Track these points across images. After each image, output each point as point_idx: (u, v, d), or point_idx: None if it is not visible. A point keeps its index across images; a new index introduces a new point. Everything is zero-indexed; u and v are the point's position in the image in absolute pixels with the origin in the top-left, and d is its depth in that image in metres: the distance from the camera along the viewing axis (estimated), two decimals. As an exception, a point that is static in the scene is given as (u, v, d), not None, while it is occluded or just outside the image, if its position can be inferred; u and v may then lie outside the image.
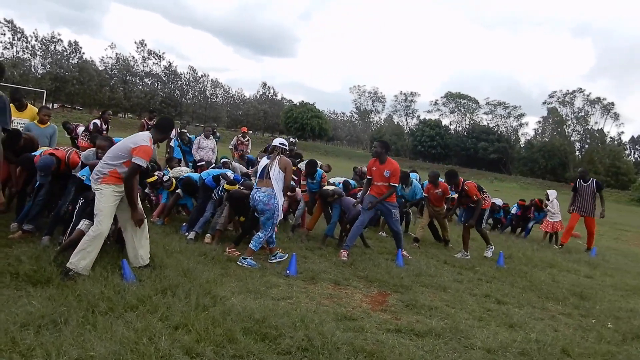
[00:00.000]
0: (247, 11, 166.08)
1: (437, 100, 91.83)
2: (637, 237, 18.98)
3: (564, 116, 79.68)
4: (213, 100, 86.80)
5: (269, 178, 6.34)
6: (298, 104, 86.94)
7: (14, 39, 64.13)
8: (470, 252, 8.76)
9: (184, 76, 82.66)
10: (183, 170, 8.61)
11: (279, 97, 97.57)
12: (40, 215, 6.15)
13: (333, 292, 5.54)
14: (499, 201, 13.90)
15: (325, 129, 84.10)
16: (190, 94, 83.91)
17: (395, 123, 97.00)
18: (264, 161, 6.56)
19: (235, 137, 14.37)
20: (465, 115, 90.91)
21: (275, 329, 3.95)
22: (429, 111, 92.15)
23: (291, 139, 12.84)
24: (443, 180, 9.53)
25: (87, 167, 5.75)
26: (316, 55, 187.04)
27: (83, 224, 5.33)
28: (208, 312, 4.12)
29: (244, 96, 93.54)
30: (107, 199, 4.82)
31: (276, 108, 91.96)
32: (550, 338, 4.72)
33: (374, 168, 7.62)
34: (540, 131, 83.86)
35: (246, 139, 14.11)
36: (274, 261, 6.51)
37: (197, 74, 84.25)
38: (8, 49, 63.90)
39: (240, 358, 3.45)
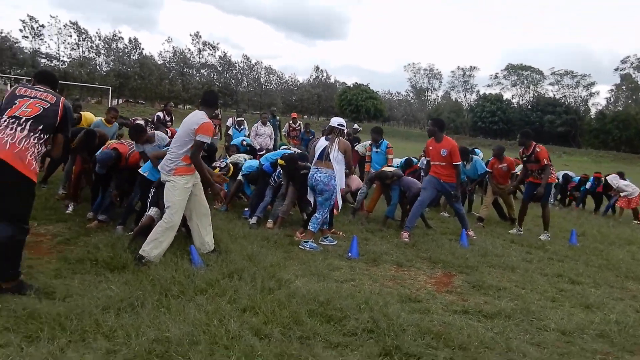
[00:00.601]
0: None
1: (497, 73, 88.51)
2: None
3: (639, 82, 74.77)
4: (267, 87, 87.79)
5: (329, 160, 6.36)
6: (352, 85, 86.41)
7: (79, 40, 67.21)
8: (540, 230, 8.45)
9: (238, 65, 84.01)
10: (241, 157, 8.77)
11: (332, 80, 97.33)
12: (112, 206, 6.46)
13: (396, 274, 5.50)
14: (571, 173, 13.29)
15: (380, 109, 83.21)
16: (245, 82, 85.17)
17: (453, 100, 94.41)
18: (322, 142, 6.57)
19: (287, 123, 14.48)
20: (529, 88, 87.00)
21: (340, 311, 3.96)
22: (488, 85, 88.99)
23: (355, 126, 12.81)
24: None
25: (148, 162, 5.95)
26: (368, 36, 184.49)
27: (152, 210, 5.56)
28: (274, 294, 4.19)
29: (298, 81, 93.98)
30: (180, 192, 4.96)
31: (330, 91, 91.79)
32: (632, 319, 4.48)
33: (431, 148, 7.47)
34: (612, 100, 79.12)
35: (297, 124, 14.18)
36: (324, 243, 6.52)
37: (250, 62, 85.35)
38: (75, 49, 67.16)
39: (307, 339, 3.48)
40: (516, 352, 3.61)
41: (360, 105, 79.89)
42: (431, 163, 7.50)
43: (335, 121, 6.61)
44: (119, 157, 6.23)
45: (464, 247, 6.97)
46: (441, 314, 4.29)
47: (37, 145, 3.86)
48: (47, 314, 3.39)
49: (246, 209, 7.84)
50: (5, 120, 3.79)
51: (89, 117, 8.35)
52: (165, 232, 4.92)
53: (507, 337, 3.87)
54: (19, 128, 3.77)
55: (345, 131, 6.68)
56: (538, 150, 8.08)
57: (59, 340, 3.12)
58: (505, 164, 9.06)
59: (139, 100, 71.60)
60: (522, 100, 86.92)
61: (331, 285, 4.73)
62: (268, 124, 12.10)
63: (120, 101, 67.24)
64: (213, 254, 5.23)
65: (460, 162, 7.38)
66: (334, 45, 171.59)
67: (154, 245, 4.85)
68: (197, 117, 5.04)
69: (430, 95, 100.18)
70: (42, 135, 3.90)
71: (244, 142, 10.57)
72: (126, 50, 71.11)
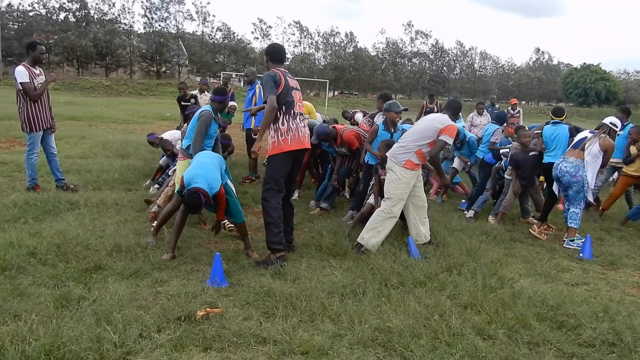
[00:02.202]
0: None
1: None
2: None
3: None
4: (482, 73, 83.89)
5: (583, 150, 5.88)
6: (579, 67, 77.50)
7: (301, 37, 73.33)
8: None
9: (451, 51, 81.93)
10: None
11: (554, 62, 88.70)
12: (334, 194, 6.88)
13: (641, 281, 4.79)
14: None
15: (614, 92, 72.92)
16: (457, 69, 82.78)
17: None
18: (584, 133, 6.16)
19: (505, 110, 13.62)
20: None
21: (574, 318, 3.62)
22: None
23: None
24: None
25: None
26: (594, 8, 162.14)
27: (371, 197, 5.79)
28: (496, 293, 4.00)
29: (515, 65, 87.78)
30: (404, 185, 5.12)
31: (552, 74, 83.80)
32: None
33: None
34: None
35: (516, 110, 13.21)
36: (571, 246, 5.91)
37: (464, 47, 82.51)
38: (297, 46, 73.49)
39: (536, 345, 3.25)
40: None
41: (588, 88, 71.29)
42: None
43: (608, 120, 6.14)
44: (335, 136, 6.62)
45: None
46: None
47: None
48: (280, 293, 3.77)
49: (463, 201, 7.64)
50: (297, 118, 4.66)
51: (310, 106, 9.05)
52: (384, 222, 5.08)
53: None
54: (302, 124, 4.73)
55: (615, 130, 6.08)
56: None
57: (291, 319, 3.43)
58: None
59: (353, 92, 75.11)
60: None
61: (561, 288, 4.35)
62: (485, 113, 11.51)
63: (336, 93, 71.34)
64: (430, 246, 5.23)
65: None
66: (555, 23, 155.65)
67: (373, 234, 5.05)
68: (443, 118, 5.24)
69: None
70: None
71: None
72: (342, 44, 75.07)
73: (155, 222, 5.17)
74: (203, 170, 4.49)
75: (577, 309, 3.75)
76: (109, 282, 3.86)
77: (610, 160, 7.58)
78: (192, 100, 10.14)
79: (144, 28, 60.64)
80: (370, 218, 5.21)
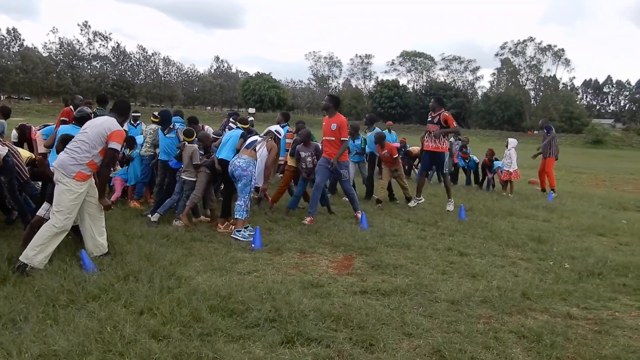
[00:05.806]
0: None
1: (393, 60, 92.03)
2: (591, 179, 19.74)
3: (517, 66, 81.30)
4: (166, 79, 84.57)
5: (255, 150, 6.65)
6: (254, 75, 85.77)
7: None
8: (432, 208, 8.94)
9: (134, 56, 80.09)
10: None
11: (233, 70, 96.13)
12: None
13: (299, 261, 5.59)
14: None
15: (283, 98, 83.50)
16: (142, 74, 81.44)
17: (354, 87, 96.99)
18: (255, 137, 6.91)
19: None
20: (422, 73, 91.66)
21: (242, 304, 3.97)
22: (386, 72, 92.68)
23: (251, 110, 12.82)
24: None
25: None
26: (267, 25, 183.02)
27: (43, 209, 5.12)
28: (173, 294, 4.10)
29: (198, 72, 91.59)
30: (76, 197, 4.72)
31: (232, 81, 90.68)
32: (511, 284, 4.92)
33: (324, 123, 7.74)
34: (495, 83, 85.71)
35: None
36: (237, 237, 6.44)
37: (147, 53, 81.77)
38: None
39: (207, 336, 3.45)
40: (410, 325, 3.83)
41: (263, 94, 79.65)
42: (323, 138, 7.75)
43: (274, 127, 7.34)
44: None
45: (364, 229, 7.20)
46: (342, 297, 4.42)
47: None
48: None
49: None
50: None
51: None
52: (54, 238, 4.63)
53: (402, 312, 4.10)
54: None
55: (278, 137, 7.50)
56: (446, 114, 8.93)
57: None
58: (386, 150, 9.40)
59: (23, 96, 66.15)
60: (417, 85, 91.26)
61: (233, 278, 4.72)
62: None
63: (2, 97, 61.61)
64: (106, 257, 4.99)
65: (347, 138, 7.65)
66: (233, 35, 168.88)
67: (39, 250, 4.54)
68: (110, 122, 4.90)
69: (331, 83, 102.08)
70: None
71: None
72: (4, 41, 65.23)
73: None
74: None
75: (246, 295, 4.13)
76: None
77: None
78: None
79: None
80: (37, 234, 4.63)
